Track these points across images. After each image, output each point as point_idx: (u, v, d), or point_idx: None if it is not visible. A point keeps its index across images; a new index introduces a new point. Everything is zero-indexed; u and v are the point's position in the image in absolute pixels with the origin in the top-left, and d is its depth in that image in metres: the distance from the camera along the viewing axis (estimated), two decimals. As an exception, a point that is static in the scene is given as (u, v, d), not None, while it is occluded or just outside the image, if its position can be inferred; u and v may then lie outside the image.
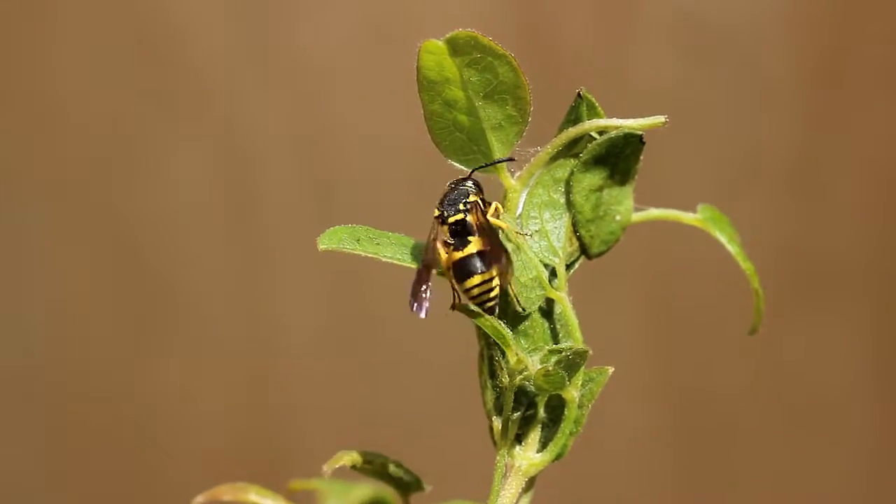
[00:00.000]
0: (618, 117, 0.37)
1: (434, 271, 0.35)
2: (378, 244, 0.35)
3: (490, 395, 0.36)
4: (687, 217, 0.38)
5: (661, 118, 0.35)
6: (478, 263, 0.35)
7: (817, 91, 1.05)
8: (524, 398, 0.36)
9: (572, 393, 0.35)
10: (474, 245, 0.35)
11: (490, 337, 0.35)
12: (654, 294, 1.07)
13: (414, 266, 0.35)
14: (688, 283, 1.05)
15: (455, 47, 0.34)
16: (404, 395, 1.07)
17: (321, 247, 0.34)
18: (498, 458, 0.36)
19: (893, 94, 1.05)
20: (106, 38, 1.02)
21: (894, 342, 1.08)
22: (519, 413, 0.36)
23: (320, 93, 1.04)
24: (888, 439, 1.09)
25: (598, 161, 0.36)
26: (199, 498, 0.36)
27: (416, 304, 0.35)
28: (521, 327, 0.36)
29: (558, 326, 0.37)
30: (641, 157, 0.36)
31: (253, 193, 1.04)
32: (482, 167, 0.36)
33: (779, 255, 1.06)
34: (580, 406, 0.36)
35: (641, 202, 0.39)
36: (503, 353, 0.35)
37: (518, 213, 0.36)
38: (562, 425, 0.36)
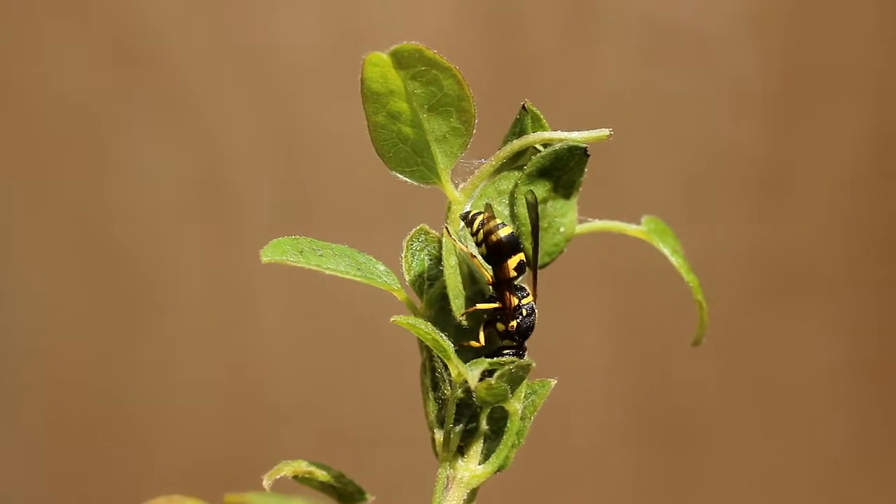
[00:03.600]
0: (585, 122, 0.37)
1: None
2: (321, 256, 0.35)
3: (432, 407, 0.36)
4: (631, 229, 0.38)
5: (606, 131, 0.35)
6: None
7: (785, 92, 1.05)
8: (466, 410, 0.36)
9: (515, 405, 0.35)
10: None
11: (432, 349, 0.35)
12: (616, 297, 1.07)
13: (358, 279, 0.35)
14: (651, 285, 1.05)
15: (399, 60, 0.34)
16: (371, 401, 1.07)
17: (264, 259, 0.34)
18: (440, 469, 0.36)
19: (861, 95, 1.06)
20: (80, 36, 1.02)
21: (863, 343, 1.09)
22: (461, 425, 0.36)
23: (295, 93, 1.04)
24: (857, 439, 1.10)
25: (543, 173, 0.36)
26: (137, 511, 0.35)
27: None
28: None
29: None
30: (586, 170, 0.36)
31: (227, 193, 1.04)
32: None
33: (747, 257, 1.07)
34: (523, 418, 0.36)
35: (607, 205, 0.39)
36: (445, 366, 0.35)
37: (462, 225, 0.36)
38: (504, 437, 0.36)
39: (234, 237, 1.04)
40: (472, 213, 0.36)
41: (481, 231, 0.35)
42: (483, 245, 0.35)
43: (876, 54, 1.06)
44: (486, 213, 0.35)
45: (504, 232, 0.35)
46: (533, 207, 0.36)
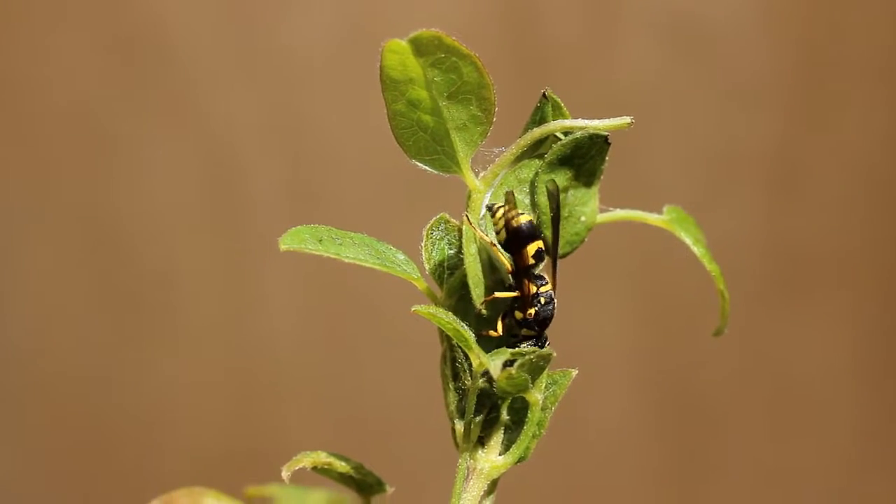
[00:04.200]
0: (601, 113, 0.37)
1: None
2: (340, 244, 0.35)
3: (452, 398, 0.36)
4: (652, 218, 0.38)
5: (627, 119, 0.35)
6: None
7: (800, 85, 1.05)
8: (487, 400, 0.36)
9: (535, 395, 0.35)
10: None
11: (453, 339, 0.35)
12: (637, 289, 1.06)
13: (377, 268, 0.35)
14: (671, 277, 1.05)
15: (419, 47, 0.34)
16: (386, 392, 1.07)
17: (283, 247, 0.34)
18: (460, 460, 0.35)
19: (874, 90, 1.05)
20: (86, 35, 1.01)
21: (875, 335, 1.08)
22: (481, 416, 0.36)
23: (303, 91, 1.03)
24: (869, 431, 1.09)
25: (563, 162, 0.36)
26: (155, 502, 0.35)
27: None
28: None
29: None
30: (607, 158, 0.36)
31: (236, 191, 1.04)
32: None
33: (761, 250, 1.06)
34: (543, 408, 0.35)
35: (623, 196, 0.39)
36: (466, 356, 0.35)
37: (482, 214, 0.36)
38: (525, 428, 0.35)
39: (244, 232, 1.04)
40: (496, 205, 0.35)
41: (501, 219, 0.35)
42: (502, 232, 0.35)
43: (890, 48, 1.05)
44: (508, 203, 0.35)
45: (523, 219, 0.35)
46: (554, 197, 0.35)
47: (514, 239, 0.35)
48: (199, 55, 1.02)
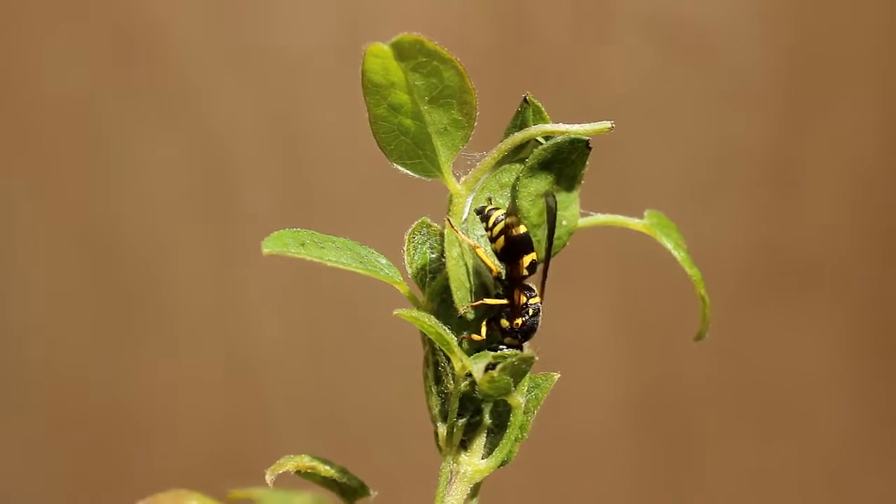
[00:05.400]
0: (592, 115, 0.37)
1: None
2: (322, 248, 0.35)
3: (435, 401, 0.36)
4: (633, 223, 0.38)
5: (607, 124, 0.35)
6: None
7: (792, 87, 1.05)
8: (470, 404, 0.36)
9: (518, 399, 0.35)
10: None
11: (435, 342, 0.35)
12: (619, 293, 1.06)
13: (360, 271, 0.35)
14: (655, 280, 1.05)
15: (400, 51, 0.34)
16: (370, 395, 1.07)
17: (266, 251, 0.34)
18: (443, 464, 0.35)
19: (867, 90, 1.05)
20: (82, 34, 1.01)
21: (866, 339, 1.08)
22: (464, 419, 0.36)
23: (297, 91, 1.03)
24: (858, 436, 1.10)
25: (544, 166, 0.36)
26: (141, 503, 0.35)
27: None
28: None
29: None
30: (588, 163, 0.36)
31: (229, 191, 1.04)
32: None
33: (752, 252, 1.07)
34: (526, 412, 0.36)
35: (616, 196, 0.39)
36: (448, 359, 0.35)
37: (464, 218, 0.36)
38: (507, 431, 0.35)
39: (235, 234, 1.04)
40: (487, 209, 0.35)
41: (497, 227, 0.35)
42: (498, 241, 0.35)
43: (883, 48, 1.05)
44: (505, 210, 0.35)
45: (522, 230, 0.35)
46: (551, 209, 0.35)
47: (512, 249, 0.35)
48: (196, 56, 1.02)
